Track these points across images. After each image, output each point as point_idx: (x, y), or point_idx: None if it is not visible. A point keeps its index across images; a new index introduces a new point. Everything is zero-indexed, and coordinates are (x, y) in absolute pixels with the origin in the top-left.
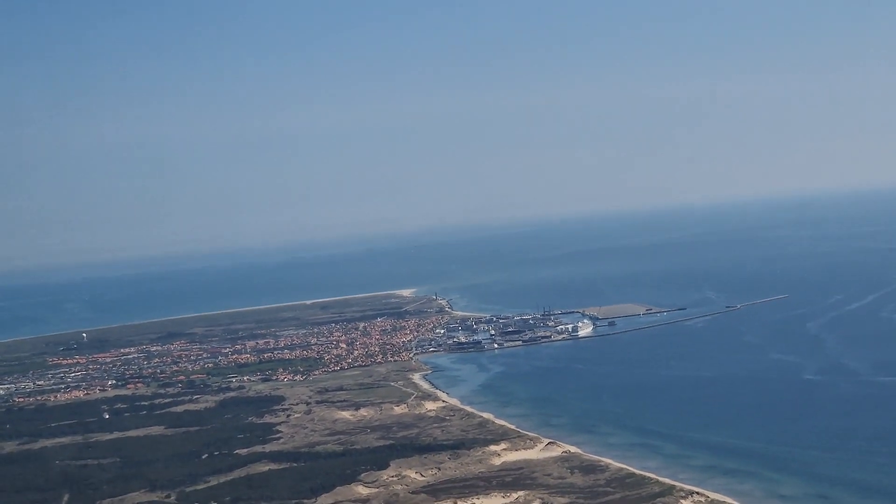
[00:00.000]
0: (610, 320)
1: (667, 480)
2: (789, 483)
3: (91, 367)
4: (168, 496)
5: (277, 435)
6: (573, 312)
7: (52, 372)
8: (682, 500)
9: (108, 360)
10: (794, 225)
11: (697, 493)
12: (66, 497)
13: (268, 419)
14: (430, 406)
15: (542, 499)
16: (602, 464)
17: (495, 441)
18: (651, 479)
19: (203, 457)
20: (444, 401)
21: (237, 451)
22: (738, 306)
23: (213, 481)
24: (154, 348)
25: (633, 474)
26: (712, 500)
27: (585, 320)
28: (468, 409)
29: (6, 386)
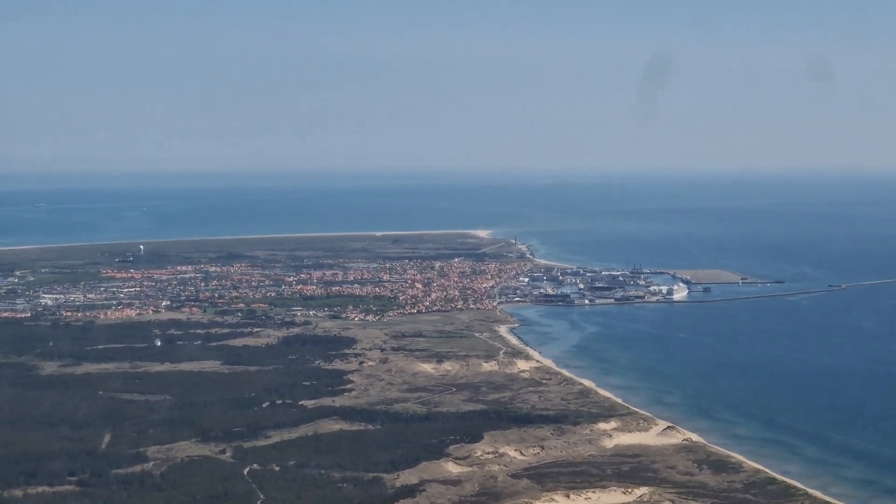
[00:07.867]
0: (704, 286)
1: (818, 494)
2: None
3: (146, 283)
4: (223, 451)
5: (349, 385)
6: (663, 273)
7: (104, 285)
8: None
9: (164, 277)
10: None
11: None
12: (106, 438)
13: (338, 365)
14: (522, 365)
15: (671, 500)
16: (733, 461)
17: (604, 417)
18: (798, 489)
19: (264, 405)
20: (536, 360)
21: (302, 402)
22: (843, 286)
23: (275, 437)
24: (213, 269)
25: (774, 480)
26: None
27: (679, 283)
28: (565, 372)
29: (55, 296)
